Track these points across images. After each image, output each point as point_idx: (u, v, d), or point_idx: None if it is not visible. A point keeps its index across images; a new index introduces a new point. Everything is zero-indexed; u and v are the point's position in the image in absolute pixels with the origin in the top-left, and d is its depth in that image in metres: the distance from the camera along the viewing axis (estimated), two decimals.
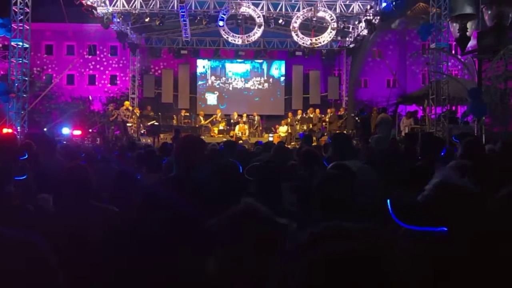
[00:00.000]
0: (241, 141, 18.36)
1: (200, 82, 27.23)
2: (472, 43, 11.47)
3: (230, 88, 27.22)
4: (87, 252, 2.69)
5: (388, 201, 1.68)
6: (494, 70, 10.57)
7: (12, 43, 16.72)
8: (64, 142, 11.92)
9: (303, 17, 19.89)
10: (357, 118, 18.65)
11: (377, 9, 18.72)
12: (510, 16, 8.82)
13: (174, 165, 3.57)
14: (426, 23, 15.37)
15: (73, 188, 3.20)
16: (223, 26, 19.93)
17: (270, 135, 21.66)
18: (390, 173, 4.50)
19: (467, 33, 9.68)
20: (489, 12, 8.89)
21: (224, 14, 19.53)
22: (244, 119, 21.87)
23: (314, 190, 2.66)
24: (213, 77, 27.28)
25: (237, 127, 20.97)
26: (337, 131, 18.10)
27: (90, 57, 30.74)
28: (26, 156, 4.86)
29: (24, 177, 4.03)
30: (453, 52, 22.06)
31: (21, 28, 16.55)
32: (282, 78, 27.39)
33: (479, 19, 10.05)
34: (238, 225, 1.66)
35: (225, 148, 6.87)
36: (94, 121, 21.57)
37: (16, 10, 16.42)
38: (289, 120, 21.50)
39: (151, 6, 19.52)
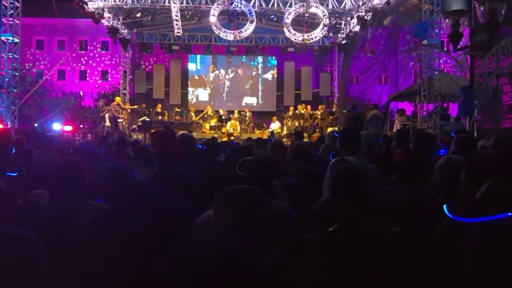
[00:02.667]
0: (232, 137, 18.36)
1: (191, 78, 27.10)
2: (464, 39, 11.51)
3: (222, 84, 27.12)
4: (75, 248, 2.67)
5: (445, 207, 1.74)
6: (486, 66, 10.60)
7: (2, 38, 16.59)
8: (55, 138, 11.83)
9: (295, 13, 19.85)
10: (348, 114, 18.68)
11: (369, 5, 18.74)
12: (502, 12, 8.84)
13: (156, 161, 3.55)
14: (420, 23, 15.25)
15: (65, 183, 3.16)
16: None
17: (270, 128, 21.54)
18: (383, 168, 4.50)
19: (459, 30, 9.71)
20: (482, 8, 8.90)
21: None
22: (236, 115, 21.84)
23: (334, 184, 2.64)
24: (204, 73, 27.18)
25: (228, 123, 20.94)
26: (329, 128, 18.17)
27: (81, 52, 30.54)
28: (13, 150, 4.81)
29: (15, 174, 3.99)
30: (446, 48, 22.14)
31: (11, 22, 16.42)
32: (274, 74, 27.35)
33: (472, 15, 10.06)
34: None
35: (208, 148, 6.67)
36: (85, 117, 21.44)
37: (6, 5, 16.29)
38: (276, 127, 21.55)
39: (142, 1, 19.41)
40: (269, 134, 19.93)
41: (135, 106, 21.68)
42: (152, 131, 19.20)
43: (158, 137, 3.77)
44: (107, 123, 19.70)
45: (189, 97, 26.73)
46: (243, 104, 25.73)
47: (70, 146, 7.03)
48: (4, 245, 1.63)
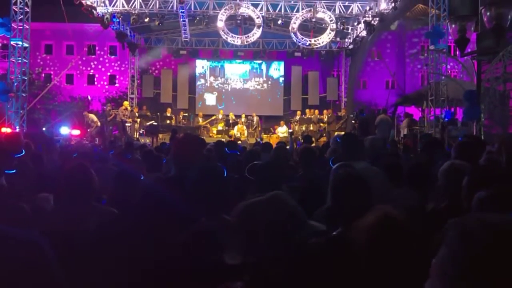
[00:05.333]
0: (239, 142, 18.37)
1: (199, 83, 27.19)
2: (471, 44, 11.49)
3: (229, 89, 27.19)
4: (83, 253, 2.69)
5: None
6: (493, 71, 10.57)
7: (12, 43, 16.73)
8: (61, 141, 11.93)
9: (302, 18, 19.89)
10: (355, 119, 18.66)
11: (376, 10, 18.75)
12: (509, 18, 8.83)
13: (173, 165, 3.56)
14: (434, 28, 15.06)
15: (72, 189, 3.18)
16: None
17: (290, 129, 21.37)
18: (390, 172, 4.51)
19: (466, 35, 9.70)
20: (488, 13, 8.90)
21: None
22: (243, 119, 21.88)
23: (335, 189, 2.66)
24: (212, 78, 27.25)
25: (235, 128, 20.97)
26: (336, 132, 18.16)
27: (89, 57, 30.75)
28: (23, 152, 4.87)
29: (13, 171, 4.04)
30: (452, 53, 22.08)
31: (21, 27, 16.55)
32: (281, 79, 27.36)
33: (478, 20, 10.05)
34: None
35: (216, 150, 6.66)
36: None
37: (16, 10, 16.42)
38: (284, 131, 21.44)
39: (150, 6, 19.53)
40: (289, 135, 19.99)
41: (144, 109, 21.77)
42: (160, 135, 19.34)
43: (182, 142, 3.78)
44: (95, 122, 19.52)
45: (197, 102, 26.75)
46: (250, 108, 25.75)
47: (72, 150, 7.08)
48: (17, 249, 1.65)
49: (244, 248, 1.78)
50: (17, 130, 15.99)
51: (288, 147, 10.97)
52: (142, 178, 4.50)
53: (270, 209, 1.79)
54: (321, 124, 21.22)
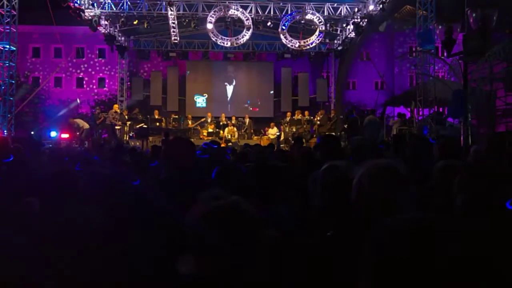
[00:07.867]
0: (230, 144, 18.36)
1: (189, 85, 27.13)
2: (458, 45, 11.58)
3: (219, 90, 27.15)
4: (71, 257, 2.68)
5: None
6: (479, 72, 10.68)
7: None
8: (50, 145, 11.86)
9: (291, 20, 19.94)
10: (344, 120, 18.75)
11: (365, 11, 18.85)
12: (494, 19, 8.92)
13: (163, 168, 3.56)
14: (427, 32, 15.14)
15: (59, 192, 3.16)
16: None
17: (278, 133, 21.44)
18: None
19: (453, 36, 9.78)
20: (474, 15, 8.99)
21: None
22: (233, 121, 21.87)
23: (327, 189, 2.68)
24: (202, 80, 27.21)
25: (226, 129, 20.95)
26: (327, 133, 18.21)
27: (78, 59, 30.59)
28: (12, 158, 4.83)
29: None
30: (440, 54, 22.25)
31: (8, 30, 16.45)
32: (271, 81, 27.39)
33: (465, 21, 10.15)
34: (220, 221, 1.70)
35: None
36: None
37: (3, 13, 16.32)
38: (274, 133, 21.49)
39: (139, 9, 19.47)
40: (276, 138, 20.14)
41: (135, 112, 21.70)
42: (150, 138, 19.27)
43: (173, 145, 3.78)
44: (82, 127, 19.15)
45: (187, 104, 26.67)
46: (241, 110, 25.74)
47: (62, 154, 7.04)
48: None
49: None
50: (5, 134, 15.89)
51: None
52: (133, 182, 4.50)
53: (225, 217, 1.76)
54: (312, 126, 21.26)
